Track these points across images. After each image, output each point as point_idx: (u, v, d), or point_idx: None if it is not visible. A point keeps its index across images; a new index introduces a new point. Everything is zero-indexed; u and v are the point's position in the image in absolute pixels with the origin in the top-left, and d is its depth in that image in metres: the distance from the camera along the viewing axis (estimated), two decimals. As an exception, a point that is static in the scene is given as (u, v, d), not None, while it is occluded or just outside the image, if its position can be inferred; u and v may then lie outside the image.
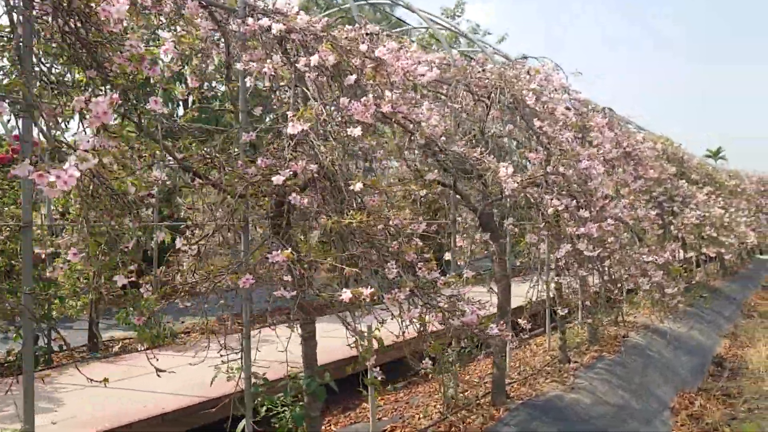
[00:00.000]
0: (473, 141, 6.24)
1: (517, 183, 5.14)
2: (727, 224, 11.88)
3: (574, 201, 5.68)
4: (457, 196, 6.06)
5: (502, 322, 5.81)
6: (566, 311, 7.63)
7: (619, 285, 7.67)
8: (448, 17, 22.02)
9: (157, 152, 3.25)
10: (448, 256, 6.40)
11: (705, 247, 13.20)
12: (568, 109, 6.80)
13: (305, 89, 3.60)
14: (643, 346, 8.73)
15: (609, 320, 9.81)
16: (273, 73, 3.60)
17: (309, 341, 4.05)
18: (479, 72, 6.11)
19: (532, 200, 5.73)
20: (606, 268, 6.02)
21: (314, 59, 3.55)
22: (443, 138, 5.58)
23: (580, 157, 6.00)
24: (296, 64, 3.61)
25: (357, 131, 3.30)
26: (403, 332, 3.56)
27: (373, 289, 3.07)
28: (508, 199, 5.69)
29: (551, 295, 7.74)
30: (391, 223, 3.73)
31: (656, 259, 6.52)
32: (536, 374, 7.09)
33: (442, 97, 6.06)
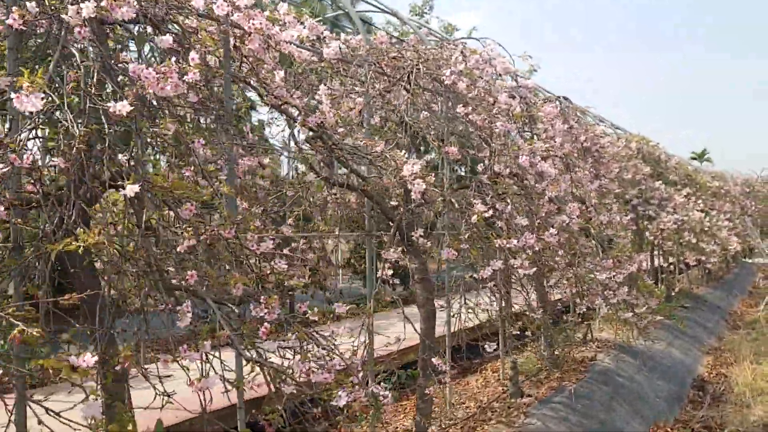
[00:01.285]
0: (390, 132, 5.14)
1: (431, 184, 4.04)
2: (707, 229, 10.84)
3: (509, 207, 4.58)
4: (369, 200, 4.94)
5: (423, 356, 4.69)
6: (521, 332, 6.57)
7: (585, 300, 6.61)
8: (416, 15, 20.97)
9: None
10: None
11: (683, 255, 12.16)
12: (512, 97, 5.73)
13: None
14: (612, 370, 7.62)
15: (576, 340, 8.72)
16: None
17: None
18: (394, 51, 5.01)
19: (458, 206, 4.63)
20: (549, 288, 4.96)
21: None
22: (341, 129, 4.48)
23: (520, 153, 4.92)
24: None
25: (123, 106, 2.16)
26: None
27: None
28: (426, 206, 4.58)
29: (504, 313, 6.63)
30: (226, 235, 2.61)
31: (614, 276, 5.43)
32: (481, 412, 5.96)
33: (349, 79, 4.96)
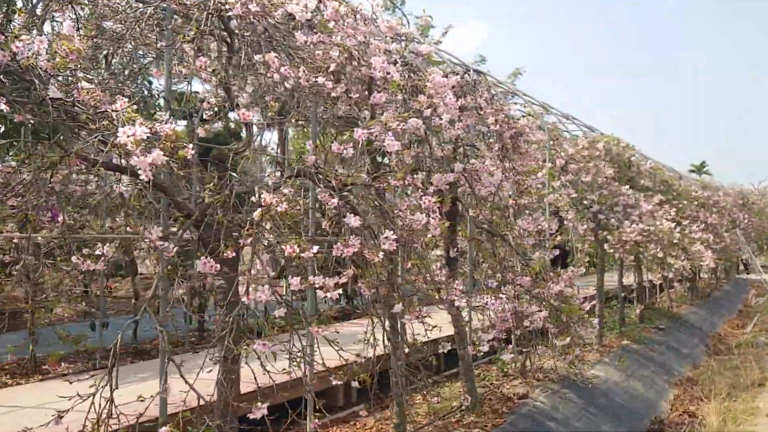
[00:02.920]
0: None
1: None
2: (677, 241, 9.41)
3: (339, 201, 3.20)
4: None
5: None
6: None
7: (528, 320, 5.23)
8: (386, 9, 19.68)
9: None
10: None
11: (648, 270, 10.75)
12: (394, 63, 4.41)
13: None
14: (545, 412, 6.19)
15: (511, 371, 7.31)
16: None
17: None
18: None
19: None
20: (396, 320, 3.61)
21: None
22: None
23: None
24: None
25: None
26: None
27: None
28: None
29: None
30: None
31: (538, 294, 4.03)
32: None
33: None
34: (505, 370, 7.34)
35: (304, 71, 3.87)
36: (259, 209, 2.84)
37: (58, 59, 2.77)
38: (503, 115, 4.84)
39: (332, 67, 4.12)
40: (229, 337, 2.95)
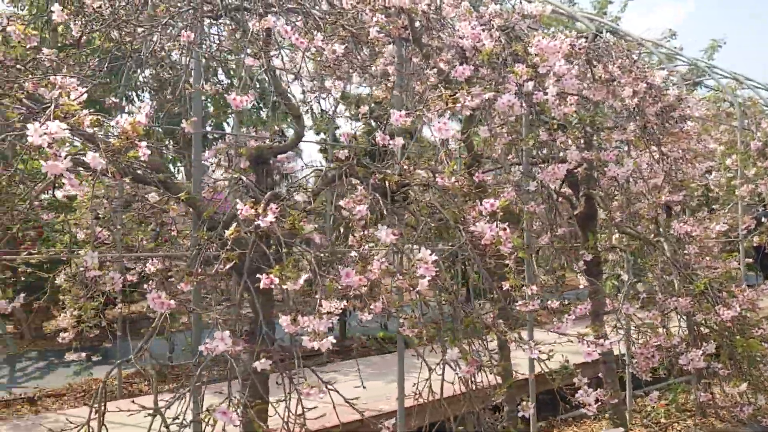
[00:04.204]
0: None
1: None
2: None
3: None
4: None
5: None
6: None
7: None
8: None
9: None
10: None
11: None
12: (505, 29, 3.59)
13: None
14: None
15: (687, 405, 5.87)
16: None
17: None
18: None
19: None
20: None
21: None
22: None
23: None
24: None
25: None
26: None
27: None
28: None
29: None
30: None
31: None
32: None
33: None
34: (675, 404, 5.91)
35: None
36: (233, 226, 2.13)
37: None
38: (644, 85, 3.64)
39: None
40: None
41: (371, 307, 2.29)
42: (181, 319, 7.04)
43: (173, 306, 1.99)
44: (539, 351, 2.36)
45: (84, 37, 3.05)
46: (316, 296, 2.11)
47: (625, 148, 3.78)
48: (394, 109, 2.52)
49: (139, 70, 3.20)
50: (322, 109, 6.06)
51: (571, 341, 2.99)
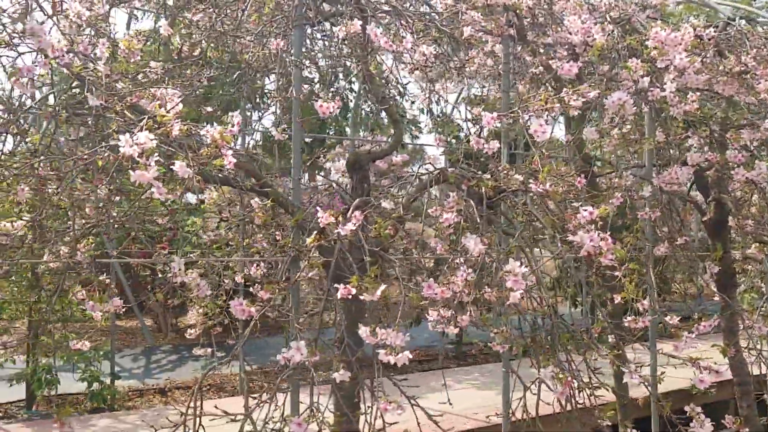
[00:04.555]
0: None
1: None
2: None
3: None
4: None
5: None
6: None
7: None
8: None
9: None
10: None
11: None
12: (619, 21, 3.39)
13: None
14: None
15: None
16: None
17: None
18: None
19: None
20: None
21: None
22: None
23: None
24: None
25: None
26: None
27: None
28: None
29: None
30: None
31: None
32: None
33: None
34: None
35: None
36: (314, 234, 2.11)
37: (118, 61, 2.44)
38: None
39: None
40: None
41: (458, 320, 2.18)
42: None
43: (253, 314, 2.01)
44: (639, 375, 2.13)
45: (195, 50, 3.20)
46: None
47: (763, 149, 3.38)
48: (485, 112, 2.39)
49: (240, 80, 3.29)
50: (442, 111, 5.99)
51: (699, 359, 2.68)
